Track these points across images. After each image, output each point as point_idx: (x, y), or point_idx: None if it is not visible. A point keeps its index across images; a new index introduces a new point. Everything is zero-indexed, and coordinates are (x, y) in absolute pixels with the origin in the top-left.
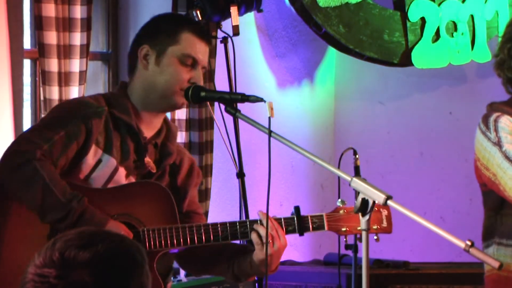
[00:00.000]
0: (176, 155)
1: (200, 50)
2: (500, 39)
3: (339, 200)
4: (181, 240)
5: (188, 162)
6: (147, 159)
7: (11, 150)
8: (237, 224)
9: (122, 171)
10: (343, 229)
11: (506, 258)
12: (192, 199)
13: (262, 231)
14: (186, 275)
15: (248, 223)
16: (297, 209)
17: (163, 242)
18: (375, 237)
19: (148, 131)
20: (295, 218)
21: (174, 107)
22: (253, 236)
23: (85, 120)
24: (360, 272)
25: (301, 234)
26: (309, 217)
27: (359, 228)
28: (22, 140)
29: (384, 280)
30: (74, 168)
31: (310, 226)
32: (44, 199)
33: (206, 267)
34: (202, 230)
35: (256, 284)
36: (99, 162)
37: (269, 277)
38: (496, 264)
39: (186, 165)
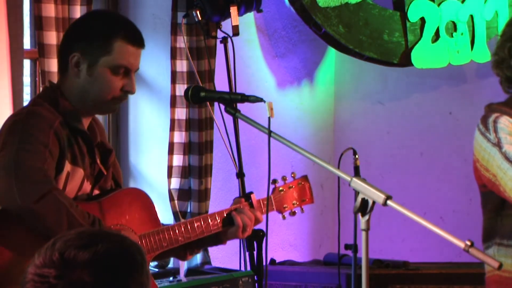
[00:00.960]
0: None
1: (133, 55)
2: (499, 38)
3: (272, 180)
4: (168, 242)
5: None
6: (98, 161)
7: (24, 181)
8: (208, 218)
9: (85, 179)
10: (284, 206)
11: (507, 258)
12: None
13: (245, 220)
14: (186, 275)
15: (216, 215)
16: (248, 196)
17: (154, 246)
18: (302, 211)
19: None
20: (250, 204)
21: (107, 113)
22: (237, 221)
23: (57, 135)
24: (360, 272)
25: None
26: (260, 201)
27: (293, 202)
28: (27, 169)
29: (384, 280)
30: None
31: (262, 209)
32: (70, 228)
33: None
34: (183, 229)
35: (256, 284)
36: (68, 175)
37: (269, 277)
38: (495, 264)
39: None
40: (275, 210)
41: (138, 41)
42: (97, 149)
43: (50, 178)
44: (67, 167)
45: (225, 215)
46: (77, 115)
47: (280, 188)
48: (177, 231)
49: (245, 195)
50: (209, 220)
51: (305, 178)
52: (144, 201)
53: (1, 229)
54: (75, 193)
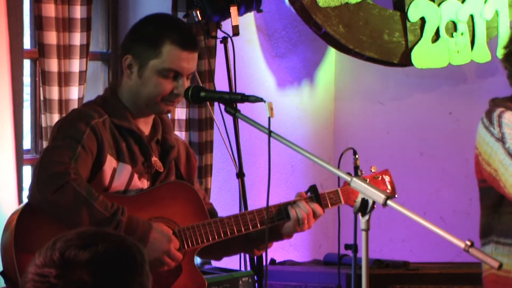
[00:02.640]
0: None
1: (185, 59)
2: (510, 31)
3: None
4: (215, 234)
5: (183, 147)
6: (154, 159)
7: (44, 175)
8: (263, 210)
9: (135, 175)
10: (355, 200)
11: (503, 257)
12: (197, 186)
13: (300, 213)
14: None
15: (272, 208)
16: (314, 188)
17: (199, 239)
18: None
19: (145, 128)
20: (314, 198)
21: (159, 114)
22: (292, 214)
23: (94, 131)
24: (360, 272)
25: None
26: (326, 195)
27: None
28: (49, 163)
29: (384, 280)
30: (93, 180)
31: (328, 202)
32: (90, 217)
33: (224, 251)
34: (233, 222)
35: (256, 284)
36: (114, 171)
37: (269, 277)
38: (495, 264)
39: (183, 150)
40: (343, 203)
41: (189, 45)
42: (157, 146)
43: (70, 170)
44: (112, 163)
45: (281, 207)
46: (124, 114)
47: None
48: (226, 224)
49: (310, 188)
50: (264, 213)
51: (385, 171)
52: (189, 194)
53: (29, 222)
54: (123, 189)
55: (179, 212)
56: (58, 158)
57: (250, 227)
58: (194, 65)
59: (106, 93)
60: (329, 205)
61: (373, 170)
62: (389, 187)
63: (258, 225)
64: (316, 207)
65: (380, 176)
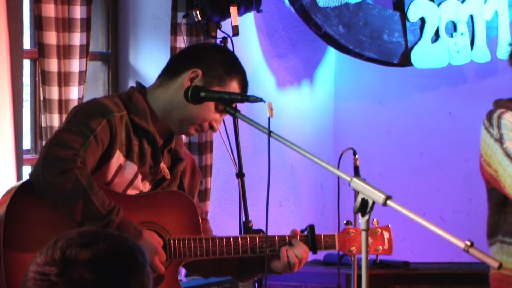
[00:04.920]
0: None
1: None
2: None
3: (345, 221)
4: (204, 252)
5: (190, 162)
6: (162, 165)
7: (51, 156)
8: (257, 238)
9: (139, 176)
10: (352, 249)
11: (509, 256)
12: (197, 203)
13: (292, 258)
14: (186, 275)
15: (267, 239)
16: (311, 228)
17: (187, 252)
18: (377, 260)
19: (162, 136)
20: (309, 237)
21: (183, 134)
22: (283, 257)
23: (110, 124)
24: (359, 272)
25: (314, 252)
26: (322, 237)
27: None
28: (59, 145)
29: (384, 280)
30: (97, 172)
31: (323, 245)
32: (84, 209)
33: (213, 271)
34: (224, 243)
35: (256, 284)
36: (120, 167)
37: (269, 277)
38: (495, 264)
39: (189, 165)
40: (338, 249)
41: (246, 90)
42: (169, 155)
43: (77, 158)
44: (120, 159)
45: (276, 241)
46: (145, 115)
47: (350, 231)
48: (217, 243)
49: (308, 227)
50: (257, 241)
51: (386, 227)
52: (187, 206)
53: (27, 199)
54: (125, 187)
55: (173, 222)
56: (68, 142)
57: (240, 252)
58: None
59: (131, 92)
60: (323, 248)
61: (374, 223)
62: (386, 244)
63: (248, 252)
64: (306, 249)
65: (380, 231)
